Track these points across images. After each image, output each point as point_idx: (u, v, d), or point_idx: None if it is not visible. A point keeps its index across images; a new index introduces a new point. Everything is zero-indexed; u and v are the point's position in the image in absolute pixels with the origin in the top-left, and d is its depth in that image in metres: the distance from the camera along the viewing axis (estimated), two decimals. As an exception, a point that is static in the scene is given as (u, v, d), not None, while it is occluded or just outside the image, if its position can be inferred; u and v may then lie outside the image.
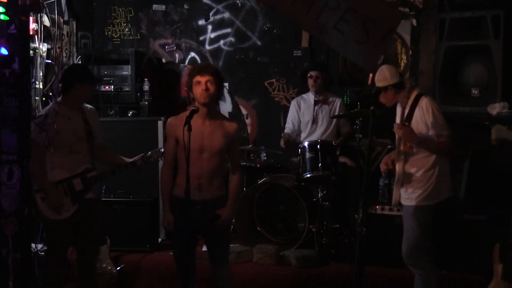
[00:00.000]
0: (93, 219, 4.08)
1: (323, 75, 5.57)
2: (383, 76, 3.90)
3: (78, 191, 3.94)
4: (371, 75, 3.96)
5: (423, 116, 3.80)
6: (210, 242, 3.86)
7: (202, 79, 3.62)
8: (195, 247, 3.90)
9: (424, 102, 3.82)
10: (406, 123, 3.78)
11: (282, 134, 5.52)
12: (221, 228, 3.74)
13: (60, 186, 3.91)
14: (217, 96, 3.73)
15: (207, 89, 3.61)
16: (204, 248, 4.01)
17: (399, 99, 3.91)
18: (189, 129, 3.46)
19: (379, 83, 3.91)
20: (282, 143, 5.47)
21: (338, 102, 5.62)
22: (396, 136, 4.00)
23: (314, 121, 5.59)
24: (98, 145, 4.12)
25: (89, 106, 4.17)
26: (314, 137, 5.50)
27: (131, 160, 4.11)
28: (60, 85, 3.98)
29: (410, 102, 3.85)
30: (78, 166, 3.95)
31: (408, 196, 3.88)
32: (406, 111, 3.81)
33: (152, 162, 4.10)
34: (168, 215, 3.72)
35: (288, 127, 5.70)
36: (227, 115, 6.50)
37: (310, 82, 5.57)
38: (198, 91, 3.64)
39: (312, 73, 5.56)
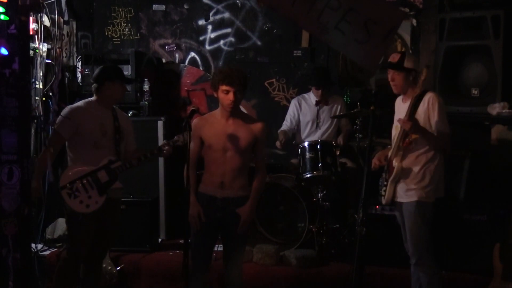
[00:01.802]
0: (115, 217, 4.15)
1: (326, 89, 5.56)
2: (413, 59, 3.91)
3: (104, 182, 3.98)
4: (393, 55, 3.94)
5: (427, 112, 3.80)
6: (227, 242, 3.86)
7: (230, 89, 3.64)
8: (213, 247, 3.91)
9: (429, 97, 3.82)
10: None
11: (278, 133, 5.52)
12: (240, 230, 3.75)
13: (85, 180, 3.94)
14: (242, 99, 3.79)
15: (235, 100, 3.65)
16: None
17: (406, 90, 3.90)
18: (189, 129, 3.48)
19: (408, 63, 3.86)
20: (278, 144, 5.47)
21: (339, 103, 5.61)
22: (394, 132, 4.00)
23: (315, 122, 5.58)
24: (131, 151, 4.21)
25: (121, 111, 4.28)
26: (315, 137, 5.49)
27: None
28: (94, 84, 4.09)
29: (414, 97, 3.83)
30: (102, 160, 4.00)
31: (408, 193, 3.88)
32: (411, 106, 3.80)
33: (179, 145, 4.01)
34: (196, 205, 3.73)
35: (286, 125, 5.70)
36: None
37: (315, 92, 5.58)
38: (225, 100, 3.67)
39: (316, 87, 5.56)
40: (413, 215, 3.86)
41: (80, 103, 4.09)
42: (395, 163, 3.86)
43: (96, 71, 4.19)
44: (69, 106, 4.07)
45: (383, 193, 3.99)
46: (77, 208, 3.93)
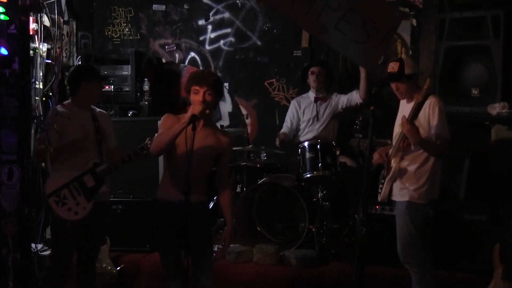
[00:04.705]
0: (103, 219, 4.08)
1: (325, 72, 5.56)
2: (411, 63, 3.89)
3: (91, 187, 3.91)
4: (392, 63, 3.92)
5: (427, 115, 3.80)
6: (193, 247, 3.60)
7: (200, 89, 3.56)
8: (181, 252, 3.67)
9: (431, 101, 3.81)
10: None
11: (278, 133, 5.52)
12: (201, 233, 3.66)
13: (71, 186, 3.88)
14: (214, 105, 3.69)
15: (204, 100, 3.54)
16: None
17: (412, 94, 3.88)
18: (193, 129, 3.39)
19: (408, 69, 3.84)
20: (277, 142, 5.45)
21: (336, 97, 5.60)
22: (395, 132, 4.00)
23: (315, 117, 5.57)
24: (112, 149, 4.13)
25: (100, 110, 4.20)
26: (313, 132, 5.49)
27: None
28: (68, 87, 4.01)
29: (417, 103, 3.83)
30: (86, 163, 3.94)
31: (401, 192, 3.89)
32: (413, 109, 3.80)
33: None
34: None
35: (286, 126, 5.68)
36: (227, 115, 6.51)
37: (312, 78, 5.54)
38: (195, 99, 3.57)
39: (314, 69, 5.54)
40: (403, 214, 3.86)
41: (51, 110, 3.92)
42: (393, 163, 3.87)
43: (70, 72, 4.09)
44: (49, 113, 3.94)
45: (379, 190, 4.00)
46: (66, 215, 3.85)
